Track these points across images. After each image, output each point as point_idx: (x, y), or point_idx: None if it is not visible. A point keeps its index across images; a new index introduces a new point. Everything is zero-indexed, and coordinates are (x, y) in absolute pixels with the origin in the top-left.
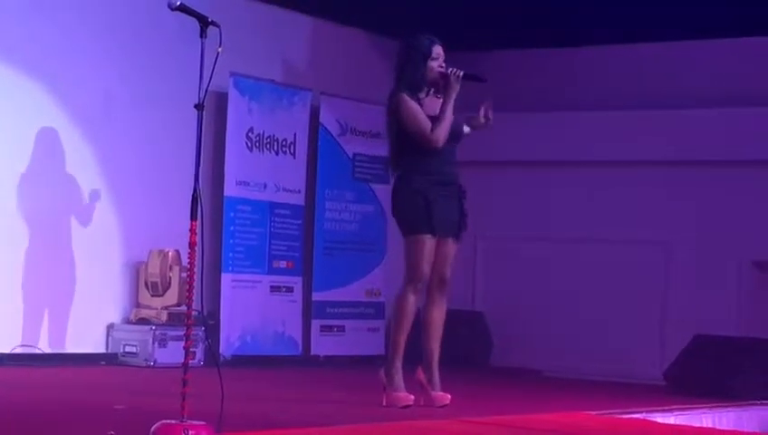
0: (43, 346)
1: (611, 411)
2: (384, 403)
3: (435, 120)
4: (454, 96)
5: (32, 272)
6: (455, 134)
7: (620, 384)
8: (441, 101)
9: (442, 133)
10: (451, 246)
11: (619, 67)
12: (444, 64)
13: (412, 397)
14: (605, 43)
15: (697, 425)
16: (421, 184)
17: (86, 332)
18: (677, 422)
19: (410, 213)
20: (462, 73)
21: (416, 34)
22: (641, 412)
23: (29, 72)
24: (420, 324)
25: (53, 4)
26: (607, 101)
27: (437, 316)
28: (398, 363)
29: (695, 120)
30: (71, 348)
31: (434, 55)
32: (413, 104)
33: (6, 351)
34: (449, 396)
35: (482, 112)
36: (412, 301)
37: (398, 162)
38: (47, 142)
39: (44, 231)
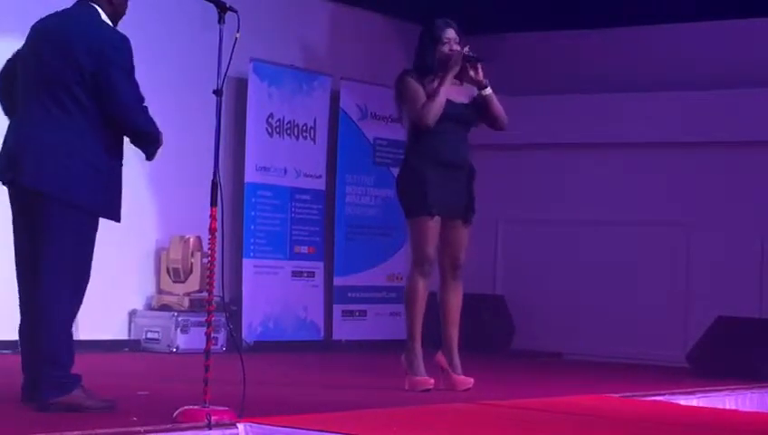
0: None
1: (634, 394)
2: (406, 387)
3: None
4: (450, 76)
5: None
6: (461, 118)
7: (643, 367)
8: (458, 85)
9: (431, 110)
10: (461, 231)
11: (643, 48)
12: (454, 48)
13: (432, 381)
14: (629, 25)
15: (720, 407)
16: (420, 166)
17: (108, 318)
18: (700, 404)
19: (409, 196)
20: (464, 53)
21: (435, 18)
22: (664, 395)
23: None
24: (438, 309)
25: None
26: (630, 82)
27: (453, 301)
28: (417, 347)
29: (716, 100)
30: (93, 334)
31: (444, 39)
32: (412, 84)
33: None
34: (471, 380)
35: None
36: (421, 284)
37: (407, 146)
38: None
39: None
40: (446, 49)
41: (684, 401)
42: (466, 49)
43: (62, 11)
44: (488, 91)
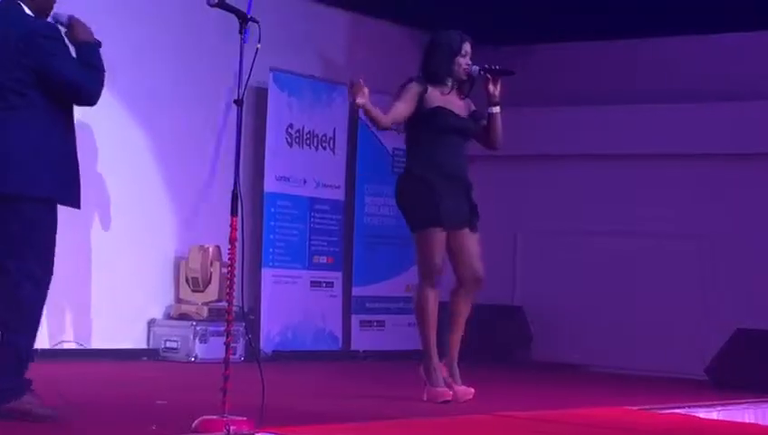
0: (85, 341)
1: (652, 407)
2: (425, 398)
3: (448, 113)
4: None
5: (72, 268)
6: (465, 131)
7: (661, 379)
8: (462, 99)
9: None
10: (470, 238)
11: (655, 60)
12: (470, 62)
13: (451, 392)
14: (639, 37)
15: (740, 420)
16: (426, 177)
17: (127, 327)
18: (720, 417)
19: (417, 207)
20: (490, 67)
21: (446, 29)
22: (683, 407)
23: None
24: (449, 317)
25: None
26: (645, 94)
27: (462, 308)
28: (435, 358)
29: (732, 112)
30: (112, 343)
31: (463, 52)
32: (406, 90)
33: (49, 346)
34: (472, 390)
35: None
36: (431, 296)
37: (408, 155)
38: (88, 137)
39: (85, 227)
40: (464, 62)
41: (703, 413)
42: (473, 65)
43: None
44: (497, 108)
